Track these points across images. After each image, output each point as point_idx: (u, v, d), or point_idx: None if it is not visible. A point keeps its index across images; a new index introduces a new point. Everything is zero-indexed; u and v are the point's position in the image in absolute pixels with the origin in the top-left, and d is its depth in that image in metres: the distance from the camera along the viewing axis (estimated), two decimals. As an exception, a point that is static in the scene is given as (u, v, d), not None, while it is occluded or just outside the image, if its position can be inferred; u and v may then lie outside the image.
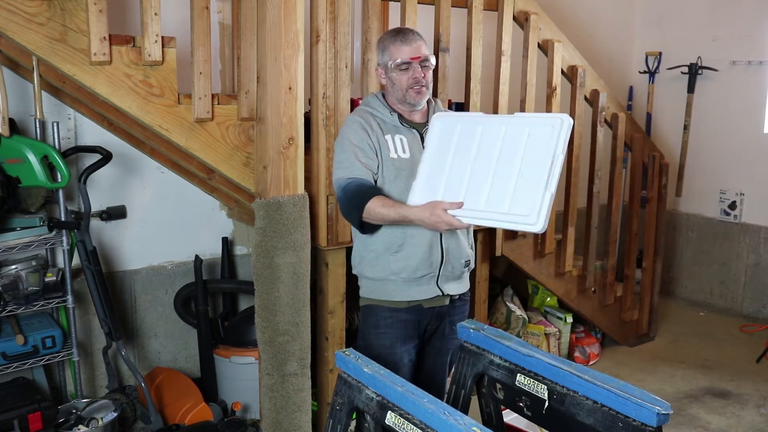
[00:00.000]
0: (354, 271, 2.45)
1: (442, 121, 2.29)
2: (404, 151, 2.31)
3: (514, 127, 2.10)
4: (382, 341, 2.35)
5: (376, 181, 2.28)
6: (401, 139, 2.32)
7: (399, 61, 2.27)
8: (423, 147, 2.31)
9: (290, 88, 2.62)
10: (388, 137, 2.31)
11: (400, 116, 2.35)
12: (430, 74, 2.32)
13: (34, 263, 3.11)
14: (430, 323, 2.41)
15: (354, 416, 1.95)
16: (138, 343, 3.59)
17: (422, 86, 2.29)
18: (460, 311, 2.47)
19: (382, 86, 2.41)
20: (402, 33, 2.31)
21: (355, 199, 2.20)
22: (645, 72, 5.50)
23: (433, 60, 2.31)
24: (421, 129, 2.37)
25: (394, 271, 2.31)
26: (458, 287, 2.43)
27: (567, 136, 1.98)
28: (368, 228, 2.28)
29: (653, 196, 4.40)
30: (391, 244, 2.30)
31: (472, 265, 2.46)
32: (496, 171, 2.08)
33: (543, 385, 1.93)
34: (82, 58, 2.36)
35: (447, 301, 2.40)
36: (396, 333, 2.36)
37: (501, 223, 2.06)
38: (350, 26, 2.87)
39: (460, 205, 2.08)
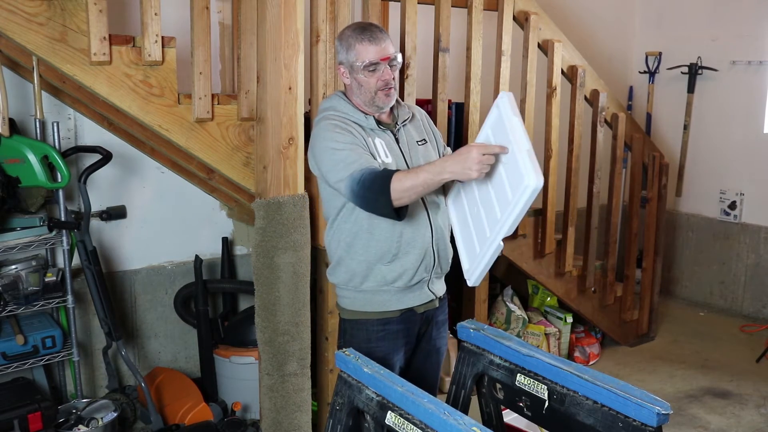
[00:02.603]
0: (335, 282, 2.28)
1: None
2: (386, 156, 2.16)
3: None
4: (375, 355, 2.18)
5: None
6: (381, 143, 2.18)
7: (367, 62, 2.11)
8: (399, 147, 2.21)
9: (290, 88, 2.62)
10: (370, 141, 2.16)
11: (374, 118, 2.20)
12: (397, 74, 2.18)
13: (34, 263, 3.11)
14: (421, 328, 2.33)
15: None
16: (138, 343, 3.59)
17: (390, 88, 2.15)
18: (442, 310, 2.40)
19: (346, 86, 2.24)
20: (369, 31, 2.14)
21: (376, 184, 1.99)
22: (645, 72, 5.50)
23: (400, 58, 2.19)
24: (393, 129, 2.23)
25: (388, 281, 2.18)
26: (442, 286, 2.36)
27: (527, 200, 1.93)
28: (403, 212, 2.05)
29: (653, 196, 4.40)
30: (385, 254, 2.16)
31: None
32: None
33: (543, 385, 1.93)
34: (82, 58, 2.36)
35: (437, 304, 2.33)
36: (388, 345, 2.26)
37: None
38: (350, 26, 2.87)
39: (504, 149, 1.95)
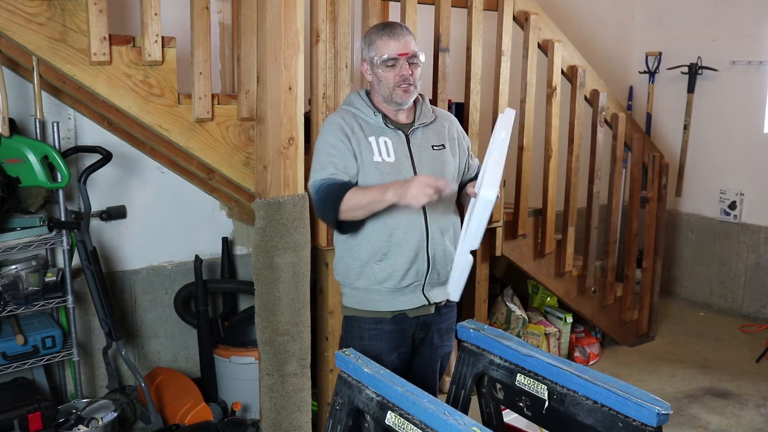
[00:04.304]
0: (337, 278, 2.34)
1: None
2: (389, 155, 2.20)
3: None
4: (368, 353, 2.18)
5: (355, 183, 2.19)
6: (386, 142, 2.21)
7: (386, 56, 2.16)
8: (409, 149, 2.24)
9: (290, 88, 2.62)
10: (371, 139, 2.20)
11: (385, 116, 2.24)
12: (418, 72, 2.21)
13: (34, 263, 3.11)
14: (417, 333, 2.33)
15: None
16: (138, 343, 3.59)
17: (410, 84, 2.18)
18: (447, 318, 2.39)
19: (369, 83, 2.31)
20: (390, 27, 2.20)
21: (329, 197, 2.12)
22: (645, 72, 5.50)
23: (422, 57, 2.22)
24: (407, 130, 2.26)
25: (378, 280, 2.21)
26: (444, 293, 2.31)
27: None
28: (346, 227, 2.19)
29: (653, 196, 4.41)
30: (376, 252, 2.20)
31: None
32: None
33: (543, 385, 1.93)
34: (82, 58, 2.36)
35: (432, 310, 2.32)
36: (381, 344, 2.28)
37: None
38: (350, 26, 2.87)
39: (445, 185, 2.00)
